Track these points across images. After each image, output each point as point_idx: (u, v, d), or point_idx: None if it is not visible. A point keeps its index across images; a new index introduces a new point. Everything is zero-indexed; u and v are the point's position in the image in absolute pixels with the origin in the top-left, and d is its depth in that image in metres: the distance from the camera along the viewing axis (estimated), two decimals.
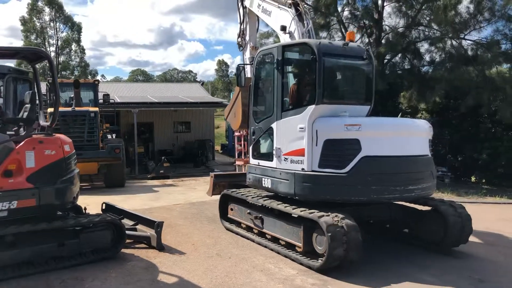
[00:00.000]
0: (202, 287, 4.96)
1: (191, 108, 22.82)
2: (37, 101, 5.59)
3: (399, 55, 15.74)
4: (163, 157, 17.51)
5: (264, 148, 6.84)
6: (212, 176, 8.57)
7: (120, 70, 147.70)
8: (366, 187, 5.57)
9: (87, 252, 5.67)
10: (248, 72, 8.70)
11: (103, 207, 7.63)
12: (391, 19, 15.58)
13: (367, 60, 6.36)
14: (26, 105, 5.41)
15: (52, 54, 43.37)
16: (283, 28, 7.00)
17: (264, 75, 6.99)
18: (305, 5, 7.07)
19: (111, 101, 15.83)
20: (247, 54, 9.05)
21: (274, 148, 6.40)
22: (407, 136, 6.04)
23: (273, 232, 6.43)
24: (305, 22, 6.86)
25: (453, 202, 6.53)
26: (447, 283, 5.11)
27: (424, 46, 15.58)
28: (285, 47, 6.31)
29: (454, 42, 14.30)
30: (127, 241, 6.20)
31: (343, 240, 5.17)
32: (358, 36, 16.73)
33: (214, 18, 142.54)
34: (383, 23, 15.33)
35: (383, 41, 15.44)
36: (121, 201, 10.09)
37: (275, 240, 6.45)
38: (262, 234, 6.80)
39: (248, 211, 7.07)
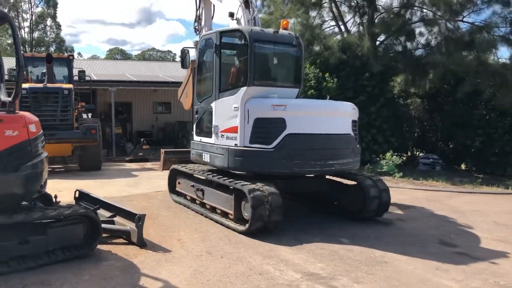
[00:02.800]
0: None
1: (171, 88, 24.42)
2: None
3: (393, 37, 17.04)
4: (142, 139, 19.21)
5: (205, 126, 8.59)
6: (162, 152, 10.35)
7: (97, 48, 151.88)
8: (289, 161, 7.28)
9: (55, 250, 5.61)
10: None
11: (76, 195, 7.94)
12: None
13: (296, 47, 8.06)
14: None
15: (26, 30, 45.26)
16: (231, 15, 8.60)
17: (205, 58, 8.72)
18: None
19: (87, 78, 16.75)
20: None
21: (213, 125, 8.12)
22: (330, 116, 7.73)
23: (212, 202, 8.16)
24: (250, 9, 8.52)
25: (372, 176, 8.31)
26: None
27: (420, 28, 16.93)
28: (222, 33, 8.01)
29: (450, 25, 15.61)
30: (103, 235, 6.17)
31: (265, 201, 6.82)
32: (349, 16, 18.25)
33: None
34: (377, 3, 16.65)
35: (376, 21, 16.83)
36: (96, 187, 10.98)
37: (213, 209, 8.16)
38: (203, 205, 8.51)
39: (192, 183, 8.81)
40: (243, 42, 7.65)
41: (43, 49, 48.19)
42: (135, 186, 11.65)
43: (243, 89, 7.52)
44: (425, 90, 16.68)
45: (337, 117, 7.82)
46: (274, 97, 7.65)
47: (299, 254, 6.22)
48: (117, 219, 6.95)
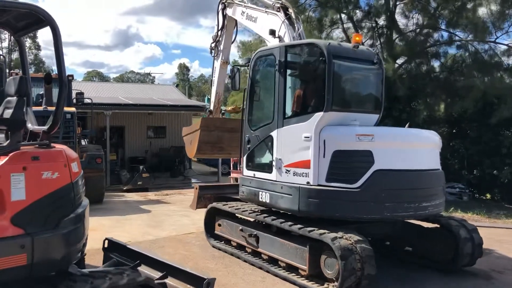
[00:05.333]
0: None
1: (166, 112, 23.08)
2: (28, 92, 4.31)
3: (417, 59, 16.06)
4: (142, 167, 17.65)
5: (261, 158, 7.13)
6: (196, 188, 8.88)
7: (74, 71, 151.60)
8: (379, 204, 5.88)
9: None
10: (216, 74, 10.03)
11: (105, 245, 5.97)
12: (403, 19, 16.02)
13: (377, 65, 6.73)
14: (9, 98, 4.27)
15: (5, 51, 43.11)
16: (272, 32, 7.46)
17: (262, 78, 7.32)
18: (295, 10, 7.73)
19: (87, 101, 15.25)
20: (217, 65, 9.97)
21: (273, 158, 6.68)
22: (420, 148, 6.41)
23: (271, 252, 6.68)
24: (295, 25, 7.37)
25: (464, 221, 6.97)
26: None
27: (444, 49, 16.06)
28: (289, 47, 6.63)
29: (480, 46, 14.73)
30: None
31: (354, 251, 5.47)
32: (366, 37, 17.22)
33: (171, 21, 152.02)
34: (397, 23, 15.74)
35: (397, 41, 15.84)
36: (113, 227, 9.47)
37: (271, 261, 6.71)
38: (256, 254, 7.06)
39: (241, 227, 7.33)
40: (317, 58, 6.29)
41: (18, 71, 46.13)
42: (157, 226, 10.05)
43: (318, 115, 6.12)
44: (453, 115, 15.64)
45: (428, 149, 6.50)
46: (355, 124, 6.29)
47: None
48: (170, 281, 5.00)
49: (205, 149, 9.40)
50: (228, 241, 7.78)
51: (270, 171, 6.75)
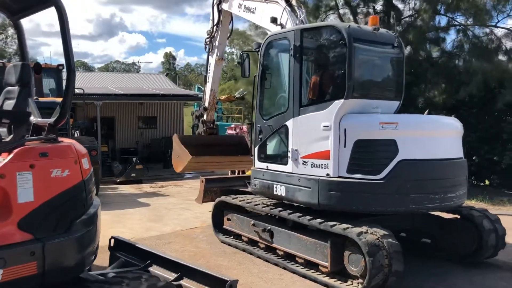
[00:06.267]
0: None
1: (158, 101, 22.58)
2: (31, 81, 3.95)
3: (415, 44, 15.70)
4: (135, 158, 17.18)
5: (275, 149, 6.75)
6: (202, 181, 8.50)
7: (57, 61, 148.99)
8: (404, 196, 5.56)
9: None
10: (211, 71, 10.00)
11: (111, 244, 5.48)
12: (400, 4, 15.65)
13: (398, 49, 6.37)
14: (10, 87, 3.88)
15: None
16: (274, 20, 7.16)
17: (275, 64, 6.91)
18: None
19: (78, 91, 14.46)
20: (212, 61, 9.92)
21: (289, 149, 6.30)
22: (444, 136, 6.07)
23: (287, 247, 6.34)
24: (297, 12, 7.05)
25: (485, 211, 6.69)
26: None
27: (450, 35, 15.73)
28: (305, 31, 6.20)
29: (481, 30, 14.42)
30: None
31: (381, 246, 5.16)
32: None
33: (156, 10, 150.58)
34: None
35: (398, 28, 15.45)
36: (114, 222, 9.01)
37: (287, 256, 6.38)
38: (270, 250, 6.71)
39: (252, 221, 6.97)
40: (337, 42, 5.87)
41: (5, 60, 44.84)
42: (159, 220, 9.58)
43: (338, 102, 5.73)
44: (452, 102, 15.33)
45: (452, 137, 6.16)
46: (377, 112, 5.93)
47: None
48: (186, 282, 4.81)
49: (192, 168, 9.70)
50: (238, 236, 7.42)
51: (285, 163, 6.37)
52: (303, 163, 6.12)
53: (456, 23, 14.77)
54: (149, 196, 13.18)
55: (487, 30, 14.23)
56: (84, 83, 25.09)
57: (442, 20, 15.18)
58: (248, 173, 12.26)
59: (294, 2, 7.37)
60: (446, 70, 14.77)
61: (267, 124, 6.69)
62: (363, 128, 5.68)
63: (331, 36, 6.01)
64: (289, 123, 6.29)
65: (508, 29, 13.83)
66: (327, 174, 5.80)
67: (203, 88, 11.26)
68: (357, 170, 5.66)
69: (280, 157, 6.51)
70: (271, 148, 6.78)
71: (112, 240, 5.75)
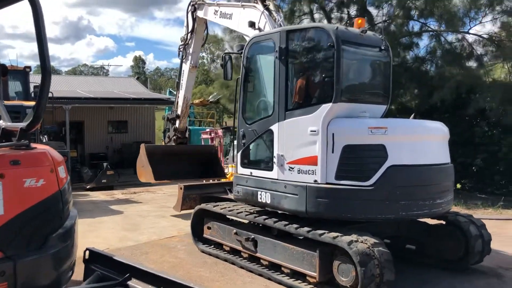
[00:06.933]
0: None
1: (129, 105, 22.05)
2: None
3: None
4: (106, 164, 16.66)
5: (259, 154, 6.51)
6: (181, 188, 8.22)
7: (22, 64, 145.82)
8: (394, 203, 5.38)
9: None
10: (184, 78, 10.08)
11: (86, 256, 4.88)
12: (374, 10, 15.68)
13: (385, 52, 6.22)
14: None
15: None
16: (252, 24, 7.18)
17: (258, 66, 6.65)
18: (274, 1, 7.57)
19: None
20: (185, 68, 9.97)
21: (274, 155, 6.06)
22: (433, 141, 5.95)
23: (272, 257, 6.08)
24: (275, 16, 7.07)
25: (471, 216, 6.61)
26: None
27: (423, 40, 15.81)
28: (291, 32, 5.98)
29: (454, 36, 14.57)
30: None
31: (372, 255, 4.98)
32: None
33: (124, 13, 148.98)
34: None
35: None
36: (85, 231, 8.24)
37: (273, 266, 6.12)
38: (254, 259, 6.44)
39: (235, 230, 6.68)
40: (324, 43, 5.67)
41: None
42: (134, 229, 9.08)
43: (326, 106, 5.52)
44: (425, 106, 15.44)
45: (440, 141, 6.04)
46: (365, 116, 5.75)
47: None
48: None
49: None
50: (219, 246, 7.10)
51: (270, 169, 6.12)
52: (289, 169, 5.88)
53: (429, 29, 14.87)
54: (122, 203, 12.68)
55: (460, 36, 14.37)
56: (52, 86, 24.26)
57: (416, 26, 15.28)
58: (225, 179, 12.00)
59: (271, 7, 7.31)
60: (419, 75, 14.86)
61: (251, 128, 6.43)
62: (352, 132, 5.49)
63: (318, 38, 5.80)
64: (274, 127, 6.05)
65: (479, 35, 13.99)
66: (315, 181, 5.58)
67: (175, 92, 11.13)
68: (346, 176, 5.46)
69: (265, 163, 6.27)
70: (255, 153, 6.53)
71: (87, 252, 5.37)
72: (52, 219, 3.42)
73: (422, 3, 14.11)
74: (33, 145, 3.58)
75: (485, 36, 13.90)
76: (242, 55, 6.56)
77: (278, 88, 5.98)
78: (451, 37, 14.73)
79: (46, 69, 3.38)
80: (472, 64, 14.33)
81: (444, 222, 6.54)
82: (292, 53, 5.95)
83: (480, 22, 13.87)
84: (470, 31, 14.12)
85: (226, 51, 7.10)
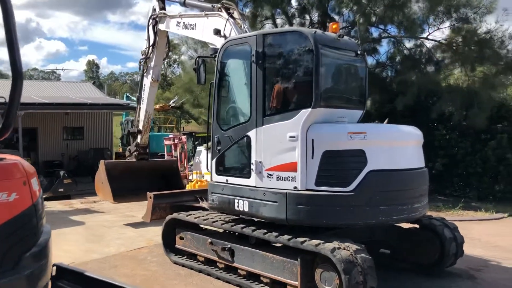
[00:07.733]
0: None
1: (85, 111, 21.22)
2: None
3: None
4: (63, 172, 15.91)
5: (236, 161, 6.34)
6: (150, 197, 7.91)
7: None
8: (374, 208, 5.35)
9: None
10: (146, 92, 9.88)
11: (53, 273, 4.41)
12: (336, 16, 15.83)
13: (361, 57, 6.20)
14: None
15: None
16: (217, 32, 7.09)
17: (234, 70, 6.47)
18: (239, 10, 7.55)
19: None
20: (147, 82, 9.78)
21: (252, 161, 5.89)
22: (409, 146, 5.98)
23: (250, 266, 5.91)
24: (240, 23, 7.05)
25: (444, 220, 6.71)
26: None
27: (382, 46, 16.13)
28: (267, 36, 5.84)
29: (413, 42, 14.90)
30: None
31: (355, 262, 4.93)
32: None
33: (76, 16, 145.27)
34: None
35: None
36: None
37: (251, 276, 5.95)
38: (231, 269, 6.25)
39: (210, 240, 6.47)
40: (302, 48, 5.56)
41: None
42: (99, 241, 8.63)
43: (306, 111, 5.42)
44: (384, 111, 15.70)
45: (415, 146, 6.07)
46: (344, 121, 5.69)
47: None
48: None
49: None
50: (193, 256, 6.87)
51: (248, 176, 5.95)
52: (268, 176, 5.73)
53: (390, 35, 15.15)
54: (82, 213, 12.11)
55: (418, 42, 14.73)
56: (1, 91, 23.13)
57: (376, 32, 15.54)
58: (189, 187, 11.71)
59: (236, 15, 7.25)
60: (379, 81, 15.10)
61: (226, 134, 6.23)
62: (332, 138, 5.42)
63: (296, 42, 5.68)
64: (251, 133, 5.88)
65: (438, 41, 14.39)
66: (295, 187, 5.47)
67: (132, 97, 10.90)
68: (326, 182, 5.38)
69: (242, 170, 6.09)
70: (231, 160, 6.35)
71: (54, 268, 5.02)
72: (26, 237, 3.11)
73: (382, 10, 14.36)
74: (1, 155, 3.28)
75: (443, 41, 14.31)
76: (216, 59, 6.37)
77: (255, 93, 5.83)
78: (410, 43, 15.07)
79: (17, 71, 3.11)
80: (431, 68, 14.70)
81: (418, 226, 6.59)
82: (269, 57, 5.80)
83: (438, 28, 14.25)
84: (429, 37, 14.52)
85: (199, 56, 6.80)
